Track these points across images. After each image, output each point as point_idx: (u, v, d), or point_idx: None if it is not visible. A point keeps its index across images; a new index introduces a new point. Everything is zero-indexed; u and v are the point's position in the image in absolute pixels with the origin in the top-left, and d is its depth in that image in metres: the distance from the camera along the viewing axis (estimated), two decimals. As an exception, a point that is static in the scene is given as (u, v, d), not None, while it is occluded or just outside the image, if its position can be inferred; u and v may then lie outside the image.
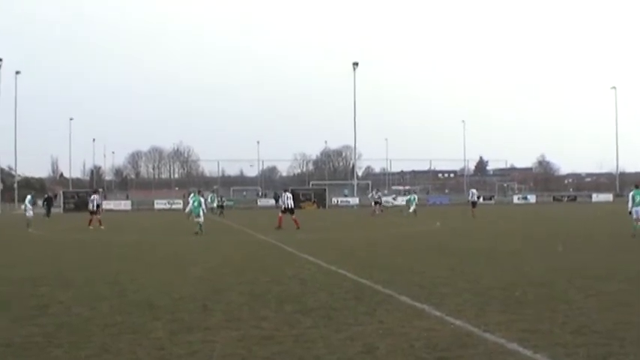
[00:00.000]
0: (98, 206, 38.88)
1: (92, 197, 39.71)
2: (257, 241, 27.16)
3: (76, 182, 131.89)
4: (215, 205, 57.10)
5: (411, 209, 49.80)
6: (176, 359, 7.96)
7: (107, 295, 12.78)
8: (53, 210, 70.91)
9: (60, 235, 33.15)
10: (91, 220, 38.04)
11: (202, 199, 32.58)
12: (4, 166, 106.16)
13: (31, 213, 38.85)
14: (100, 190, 46.53)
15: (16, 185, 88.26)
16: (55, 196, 56.19)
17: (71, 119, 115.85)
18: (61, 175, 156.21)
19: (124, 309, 11.25)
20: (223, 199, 64.70)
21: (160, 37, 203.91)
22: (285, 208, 35.58)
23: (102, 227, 36.36)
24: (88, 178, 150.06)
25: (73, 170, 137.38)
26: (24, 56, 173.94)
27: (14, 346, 8.58)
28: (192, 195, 33.35)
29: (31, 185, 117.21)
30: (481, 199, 69.34)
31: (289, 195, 36.25)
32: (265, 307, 11.33)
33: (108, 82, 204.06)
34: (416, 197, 53.99)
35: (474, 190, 53.35)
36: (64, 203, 79.37)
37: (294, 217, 34.44)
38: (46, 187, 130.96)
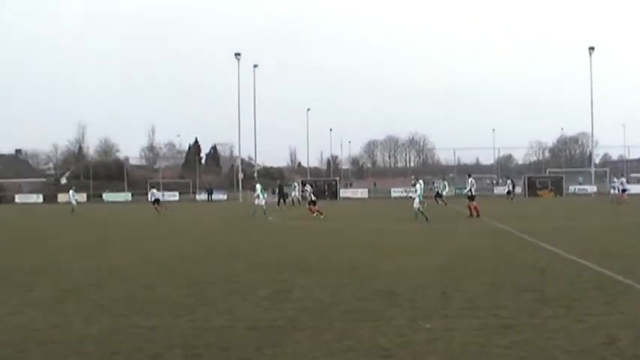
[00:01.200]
0: (311, 199, 41.15)
1: (306, 188, 44.04)
2: (495, 230, 27.03)
3: (314, 171, 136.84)
4: (443, 192, 57.01)
5: None
6: (416, 346, 8.30)
7: (347, 282, 13.41)
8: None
9: (297, 222, 34.68)
10: (311, 209, 40.09)
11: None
12: (245, 157, 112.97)
13: (261, 201, 41.27)
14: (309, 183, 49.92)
15: (255, 175, 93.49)
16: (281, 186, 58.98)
17: (309, 110, 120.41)
18: (299, 164, 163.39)
19: (364, 296, 11.80)
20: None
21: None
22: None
23: (321, 216, 37.98)
24: (325, 167, 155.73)
25: (311, 160, 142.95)
26: (262, 49, 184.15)
27: (259, 329, 9.30)
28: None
29: (271, 174, 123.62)
30: None
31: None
32: (504, 295, 11.51)
33: (344, 72, 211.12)
34: None
35: None
36: (302, 192, 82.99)
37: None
38: (284, 176, 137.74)
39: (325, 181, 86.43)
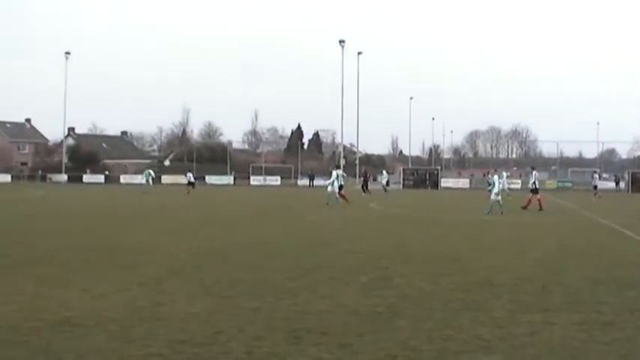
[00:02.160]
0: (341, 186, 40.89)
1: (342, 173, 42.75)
2: (595, 224, 26.52)
3: (415, 160, 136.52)
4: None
5: None
6: (516, 339, 8.21)
7: (449, 272, 13.38)
8: (393, 186, 74.64)
9: (397, 210, 34.71)
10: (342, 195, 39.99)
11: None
12: (347, 143, 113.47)
13: (335, 189, 41.07)
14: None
15: (357, 162, 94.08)
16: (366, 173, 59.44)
17: (411, 98, 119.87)
18: (401, 152, 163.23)
19: (465, 286, 11.74)
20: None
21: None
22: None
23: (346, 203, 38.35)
24: (426, 156, 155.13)
25: (413, 148, 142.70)
26: (366, 37, 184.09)
27: (360, 315, 9.35)
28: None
29: (372, 162, 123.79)
30: None
31: None
32: (606, 291, 11.31)
33: (447, 61, 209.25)
34: None
35: None
36: (403, 180, 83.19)
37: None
38: (385, 163, 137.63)
39: (426, 170, 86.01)
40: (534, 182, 36.30)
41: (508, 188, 48.43)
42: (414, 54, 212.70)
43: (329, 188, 38.55)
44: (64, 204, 39.41)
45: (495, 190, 32.10)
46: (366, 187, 56.70)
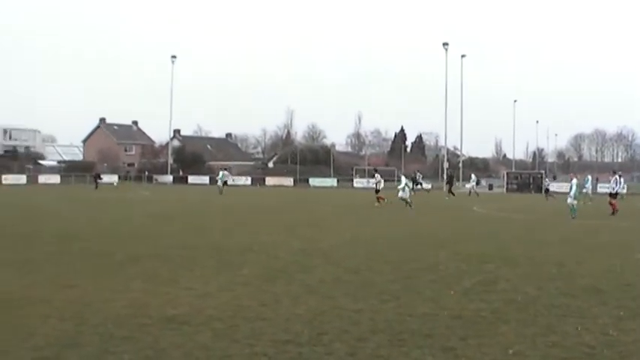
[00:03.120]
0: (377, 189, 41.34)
1: (376, 176, 43.05)
2: None
3: (519, 163, 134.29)
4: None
5: None
6: (622, 346, 8.05)
7: (553, 277, 13.16)
8: (496, 189, 73.73)
9: (501, 213, 34.20)
10: (378, 198, 39.96)
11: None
12: (450, 146, 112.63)
13: (405, 194, 40.56)
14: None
15: (460, 165, 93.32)
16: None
17: (515, 101, 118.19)
18: (504, 155, 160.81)
19: (570, 291, 11.54)
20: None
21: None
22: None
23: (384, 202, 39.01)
24: (530, 159, 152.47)
25: (517, 152, 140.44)
26: (469, 41, 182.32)
27: (464, 319, 9.31)
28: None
29: (475, 165, 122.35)
30: None
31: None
32: None
33: (551, 64, 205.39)
34: None
35: None
36: (507, 184, 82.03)
37: None
38: (489, 167, 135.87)
39: (530, 174, 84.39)
40: (616, 187, 35.75)
41: (591, 193, 47.46)
42: (518, 56, 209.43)
43: (400, 194, 38.21)
44: (169, 204, 40.32)
45: (571, 193, 31.43)
46: (450, 190, 56.21)
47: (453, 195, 54.38)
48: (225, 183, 58.53)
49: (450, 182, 58.69)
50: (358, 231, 22.75)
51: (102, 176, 74.54)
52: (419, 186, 63.40)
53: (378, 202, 39.52)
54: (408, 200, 37.12)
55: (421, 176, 69.53)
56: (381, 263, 14.75)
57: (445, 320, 9.22)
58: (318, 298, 10.66)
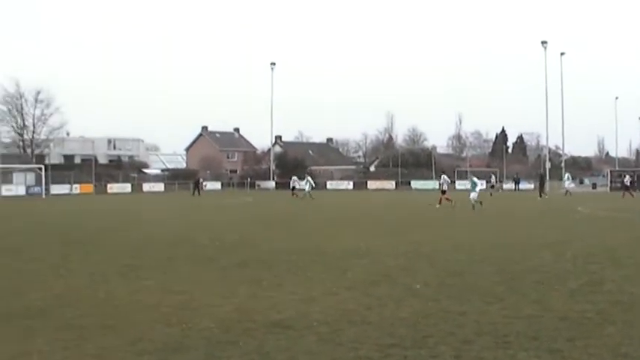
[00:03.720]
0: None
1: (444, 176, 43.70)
2: None
3: (622, 162, 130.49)
4: None
5: None
6: None
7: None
8: (600, 189, 71.87)
9: (605, 213, 33.31)
10: (440, 200, 39.94)
11: None
12: (552, 146, 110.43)
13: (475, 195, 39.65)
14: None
15: (563, 164, 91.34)
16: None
17: (617, 98, 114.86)
18: (607, 154, 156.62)
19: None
20: None
21: None
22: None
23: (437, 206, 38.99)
24: (633, 157, 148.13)
25: (620, 150, 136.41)
26: (569, 37, 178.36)
27: (570, 320, 9.16)
28: None
29: (578, 164, 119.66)
30: None
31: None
32: None
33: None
34: None
35: None
36: (610, 182, 79.93)
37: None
38: (592, 166, 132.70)
39: (634, 172, 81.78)
40: None
41: None
42: (618, 53, 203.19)
43: (471, 194, 37.50)
44: (272, 210, 40.77)
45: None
46: (542, 191, 54.90)
47: (545, 195, 53.29)
48: (312, 187, 59.69)
49: (541, 183, 57.37)
50: (460, 233, 22.56)
51: (204, 183, 75.63)
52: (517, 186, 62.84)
53: (440, 203, 39.39)
54: (477, 200, 36.81)
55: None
56: (484, 266, 14.61)
57: (551, 322, 9.09)
58: (423, 301, 10.63)
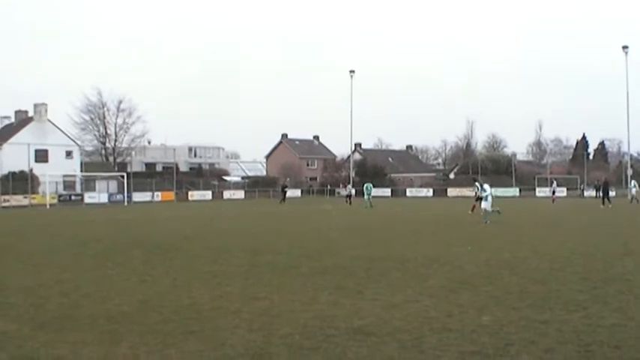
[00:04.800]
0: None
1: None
2: None
3: None
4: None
5: None
6: None
7: None
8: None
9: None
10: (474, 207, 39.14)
11: None
12: (634, 152, 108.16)
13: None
14: None
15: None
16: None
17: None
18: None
19: None
20: None
21: None
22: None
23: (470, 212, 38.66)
24: None
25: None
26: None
27: None
28: None
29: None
30: None
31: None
32: None
33: None
34: None
35: None
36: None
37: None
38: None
39: None
40: None
41: None
42: None
43: (482, 204, 34.22)
44: (352, 217, 40.82)
45: None
46: (607, 199, 53.18)
47: (609, 203, 51.69)
48: (349, 196, 62.85)
49: (605, 190, 55.39)
50: (540, 241, 22.21)
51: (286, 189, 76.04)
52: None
53: (472, 210, 38.69)
54: (489, 211, 33.42)
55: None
56: (566, 273, 14.41)
57: (634, 331, 8.95)
58: (504, 308, 10.55)
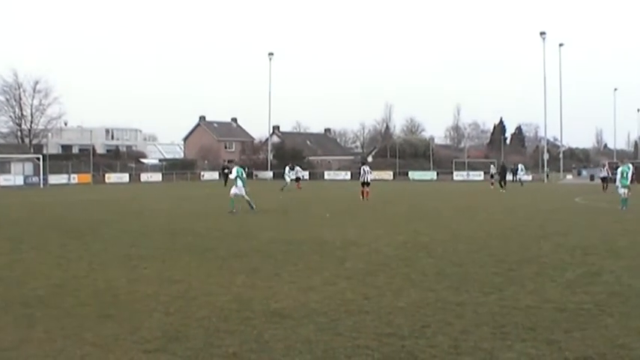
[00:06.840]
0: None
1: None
2: None
3: (620, 153, 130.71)
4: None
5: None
6: None
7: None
8: (597, 180, 71.79)
9: (603, 204, 33.29)
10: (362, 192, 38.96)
11: None
12: (550, 137, 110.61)
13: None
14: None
15: (561, 156, 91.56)
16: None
17: (615, 90, 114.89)
18: (605, 145, 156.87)
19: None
20: None
21: None
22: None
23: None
24: (632, 149, 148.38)
25: (618, 141, 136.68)
26: (568, 28, 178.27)
27: (567, 311, 9.16)
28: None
29: (576, 156, 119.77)
30: None
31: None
32: None
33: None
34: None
35: None
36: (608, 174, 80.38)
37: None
38: (589, 157, 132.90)
39: (632, 164, 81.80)
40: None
41: None
42: (618, 44, 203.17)
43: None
44: (270, 200, 40.73)
45: (617, 182, 31.36)
46: (504, 183, 54.94)
47: (504, 187, 53.52)
48: (297, 179, 60.87)
49: (503, 175, 56.78)
50: (459, 224, 22.57)
51: (203, 173, 74.88)
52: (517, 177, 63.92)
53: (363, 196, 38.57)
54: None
55: (523, 167, 69.30)
56: (483, 256, 14.64)
57: (549, 313, 9.10)
58: (421, 290, 10.64)
